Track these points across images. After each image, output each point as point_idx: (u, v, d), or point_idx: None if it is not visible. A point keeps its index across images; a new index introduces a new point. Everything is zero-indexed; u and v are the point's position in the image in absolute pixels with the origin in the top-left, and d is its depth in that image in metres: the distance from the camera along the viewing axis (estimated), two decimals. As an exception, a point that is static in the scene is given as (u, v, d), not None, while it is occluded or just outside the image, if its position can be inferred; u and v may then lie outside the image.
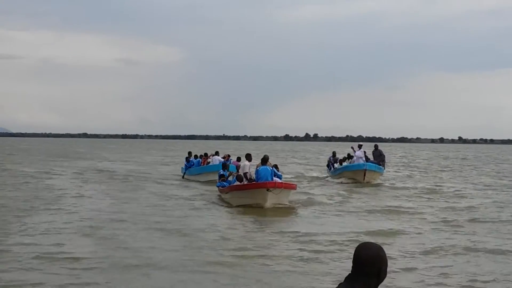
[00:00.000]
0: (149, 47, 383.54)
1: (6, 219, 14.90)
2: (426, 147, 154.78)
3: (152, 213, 16.77)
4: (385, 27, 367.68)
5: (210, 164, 27.97)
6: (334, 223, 15.19)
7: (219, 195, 20.57)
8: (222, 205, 18.73)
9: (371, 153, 29.06)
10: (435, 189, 24.94)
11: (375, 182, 27.08)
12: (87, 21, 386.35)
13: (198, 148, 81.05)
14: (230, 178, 20.58)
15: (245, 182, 18.42)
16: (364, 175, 26.48)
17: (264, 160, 18.20)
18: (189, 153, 32.52)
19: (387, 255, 3.10)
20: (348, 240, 12.41)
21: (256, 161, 19.68)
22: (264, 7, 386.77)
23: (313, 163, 49.35)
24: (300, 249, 11.53)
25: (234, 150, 77.16)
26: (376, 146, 29.44)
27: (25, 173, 31.39)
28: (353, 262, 3.06)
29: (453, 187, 26.07)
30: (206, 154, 30.08)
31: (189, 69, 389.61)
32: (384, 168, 28.84)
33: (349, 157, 29.25)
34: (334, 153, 32.91)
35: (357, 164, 27.16)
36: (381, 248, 3.08)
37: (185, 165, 30.41)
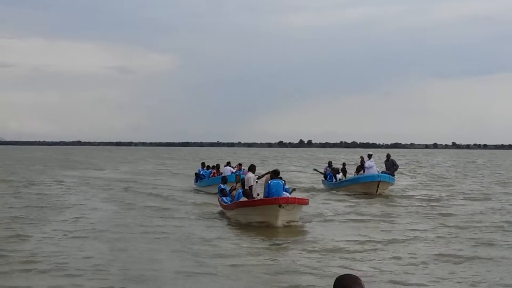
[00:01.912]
0: (142, 55, 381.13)
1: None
2: (419, 153, 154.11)
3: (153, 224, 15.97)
4: (379, 33, 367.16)
5: (223, 174, 26.38)
6: (352, 242, 13.74)
7: (221, 211, 19.10)
8: (228, 223, 17.25)
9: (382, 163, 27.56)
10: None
11: (386, 193, 25.47)
12: (80, 28, 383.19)
13: (193, 156, 79.69)
14: (233, 192, 19.13)
15: (252, 198, 16.95)
16: (378, 187, 24.72)
17: (276, 173, 16.71)
18: (202, 163, 31.51)
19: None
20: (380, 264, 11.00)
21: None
22: (257, 14, 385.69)
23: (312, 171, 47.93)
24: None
25: (229, 157, 75.69)
26: (388, 156, 27.39)
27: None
28: None
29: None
30: (218, 166, 28.90)
31: (183, 77, 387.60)
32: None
33: (361, 167, 27.12)
34: (330, 163, 30.23)
35: (371, 175, 25.23)
36: (358, 280, 3.16)
37: (195, 175, 29.40)
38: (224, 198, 18.86)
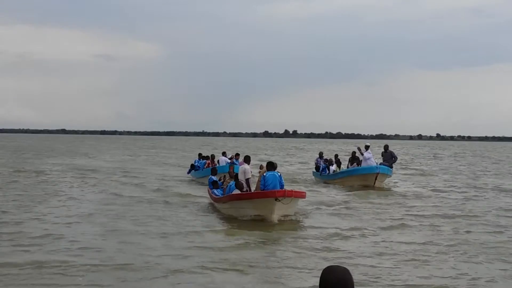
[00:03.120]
0: (129, 43, 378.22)
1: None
2: (406, 144, 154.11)
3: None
4: (365, 22, 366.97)
5: (218, 165, 25.64)
6: (357, 241, 12.89)
7: (211, 204, 18.16)
8: (219, 216, 16.30)
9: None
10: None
11: (383, 185, 24.62)
12: (66, 16, 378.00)
13: (178, 146, 78.48)
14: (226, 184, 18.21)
15: (245, 190, 16.02)
16: (376, 179, 23.72)
17: (272, 166, 15.79)
18: (199, 154, 30.84)
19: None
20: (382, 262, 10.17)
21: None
22: (245, 2, 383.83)
23: (300, 162, 47.19)
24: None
25: (215, 147, 75.01)
26: (386, 147, 26.23)
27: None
28: (320, 286, 3.07)
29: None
30: (212, 156, 28.10)
31: (169, 66, 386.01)
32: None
33: (353, 159, 26.12)
34: (321, 154, 29.23)
35: (369, 166, 24.20)
36: (347, 271, 3.09)
37: (191, 166, 28.62)
38: (215, 191, 17.87)
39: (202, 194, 20.86)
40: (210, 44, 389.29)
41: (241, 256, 10.98)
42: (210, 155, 28.45)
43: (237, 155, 26.44)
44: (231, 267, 10.11)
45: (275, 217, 14.82)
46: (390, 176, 25.51)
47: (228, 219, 15.55)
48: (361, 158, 24.92)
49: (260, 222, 14.81)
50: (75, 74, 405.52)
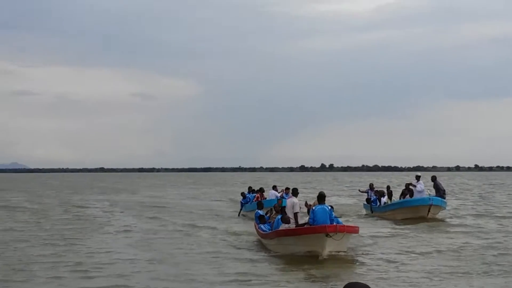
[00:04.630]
0: (164, 81, 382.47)
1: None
2: (444, 175, 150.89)
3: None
4: (395, 55, 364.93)
5: (266, 199, 24.94)
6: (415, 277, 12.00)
7: (258, 240, 17.43)
8: (267, 254, 15.53)
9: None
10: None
11: (438, 216, 23.46)
12: (102, 56, 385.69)
13: (214, 181, 78.27)
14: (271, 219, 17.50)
15: (293, 225, 15.28)
16: (429, 211, 22.63)
17: (321, 198, 14.89)
18: (249, 188, 30.00)
19: None
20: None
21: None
22: (274, 38, 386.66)
23: (346, 194, 46.14)
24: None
25: (252, 182, 74.22)
26: (433, 178, 24.89)
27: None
28: None
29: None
30: (261, 189, 27.23)
31: (204, 103, 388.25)
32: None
33: (407, 191, 24.66)
34: (372, 185, 27.86)
35: (421, 198, 23.14)
36: (368, 287, 3.09)
37: (241, 201, 27.80)
38: (262, 226, 17.01)
39: (249, 229, 20.15)
40: (244, 80, 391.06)
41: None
42: (259, 189, 27.57)
43: (287, 189, 25.10)
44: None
45: (326, 254, 13.89)
46: (445, 208, 24.35)
47: (276, 257, 14.77)
48: (415, 190, 23.75)
49: (310, 260, 13.93)
50: (112, 113, 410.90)
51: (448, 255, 14.87)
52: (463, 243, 16.78)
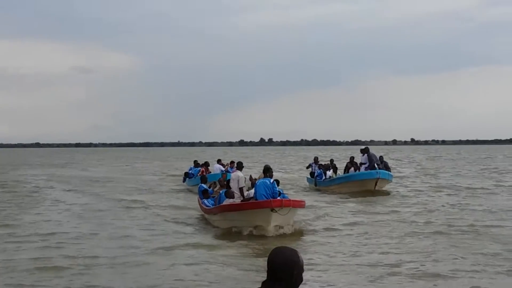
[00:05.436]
0: (103, 54, 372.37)
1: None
2: (383, 149, 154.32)
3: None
4: (339, 30, 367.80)
5: (211, 173, 24.60)
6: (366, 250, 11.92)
7: (201, 215, 16.99)
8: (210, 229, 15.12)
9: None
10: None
11: (384, 189, 23.52)
12: (39, 29, 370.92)
13: (152, 155, 77.17)
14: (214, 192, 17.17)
15: (239, 200, 14.86)
16: (376, 184, 22.58)
17: (266, 171, 14.33)
18: (194, 161, 29.69)
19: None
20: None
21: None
22: (220, 13, 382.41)
23: (289, 169, 46.28)
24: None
25: (194, 157, 73.57)
26: (381, 158, 24.47)
27: None
28: (267, 267, 2.98)
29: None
30: (206, 163, 26.90)
31: (143, 77, 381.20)
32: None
33: (350, 164, 24.66)
34: (316, 159, 27.09)
35: (368, 172, 23.00)
36: (295, 252, 3.00)
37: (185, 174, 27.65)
38: (206, 201, 16.51)
39: (192, 204, 19.69)
40: (184, 55, 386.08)
41: (231, 273, 10.13)
42: (204, 163, 27.15)
43: (232, 163, 24.87)
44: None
45: (272, 229, 13.54)
46: (391, 181, 24.42)
47: (219, 232, 14.40)
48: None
49: (254, 235, 13.58)
50: (48, 86, 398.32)
51: (387, 223, 15.42)
52: (402, 212, 17.77)
